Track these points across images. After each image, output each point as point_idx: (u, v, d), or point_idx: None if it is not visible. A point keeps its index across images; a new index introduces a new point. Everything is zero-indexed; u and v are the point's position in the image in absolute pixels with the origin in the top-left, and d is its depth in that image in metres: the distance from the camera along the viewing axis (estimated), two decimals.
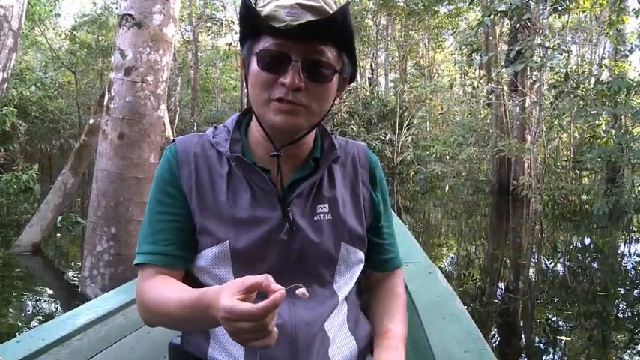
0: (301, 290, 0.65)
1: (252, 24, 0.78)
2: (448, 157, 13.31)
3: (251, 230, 0.83)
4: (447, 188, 12.49)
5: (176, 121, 15.93)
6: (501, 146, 10.39)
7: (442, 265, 5.46)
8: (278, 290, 0.62)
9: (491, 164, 11.84)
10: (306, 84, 0.77)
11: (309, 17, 0.76)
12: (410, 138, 15.86)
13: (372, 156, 0.99)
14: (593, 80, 8.35)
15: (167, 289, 0.80)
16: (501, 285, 4.80)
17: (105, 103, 3.66)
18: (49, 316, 3.48)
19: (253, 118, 0.88)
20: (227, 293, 0.63)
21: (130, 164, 3.52)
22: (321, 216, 0.87)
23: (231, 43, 18.53)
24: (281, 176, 0.86)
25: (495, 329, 3.61)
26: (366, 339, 0.92)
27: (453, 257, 6.10)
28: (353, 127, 15.94)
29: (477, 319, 1.25)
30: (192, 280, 0.87)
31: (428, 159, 13.90)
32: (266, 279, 0.63)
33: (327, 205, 0.88)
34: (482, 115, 12.90)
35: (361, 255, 0.93)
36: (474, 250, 6.53)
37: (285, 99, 0.77)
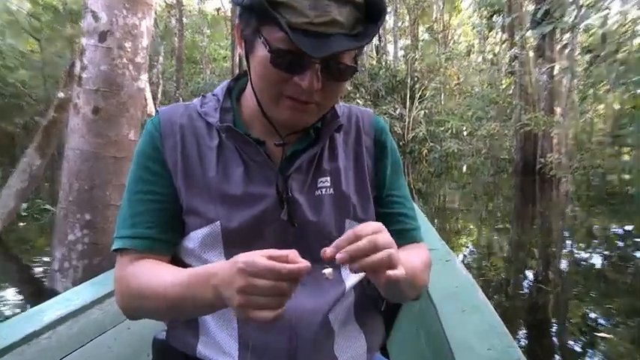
0: (328, 270, 0.69)
1: (260, 9, 0.73)
2: (465, 134, 13.29)
3: (244, 209, 0.84)
4: (464, 168, 12.51)
5: (159, 96, 15.84)
6: (526, 120, 10.34)
7: (461, 254, 5.48)
8: (304, 263, 0.64)
9: (515, 140, 11.84)
10: (322, 83, 0.77)
11: (334, 9, 0.72)
12: (422, 112, 15.85)
13: (379, 121, 0.99)
14: (637, 41, 8.16)
15: (157, 270, 0.82)
16: (529, 275, 4.79)
17: (76, 73, 3.61)
18: (10, 317, 3.40)
19: (248, 86, 0.88)
20: (246, 254, 0.66)
21: (106, 142, 3.49)
22: (323, 190, 0.88)
23: (220, 8, 18.30)
24: (282, 151, 0.87)
25: (523, 325, 3.57)
26: (377, 336, 0.93)
27: (472, 244, 6.11)
28: (358, 100, 15.91)
29: (501, 314, 1.23)
30: (178, 266, 0.87)
31: (443, 136, 13.89)
32: (293, 253, 0.66)
33: (328, 179, 0.89)
34: (505, 85, 12.82)
35: None
36: (496, 237, 6.55)
37: (299, 99, 0.78)
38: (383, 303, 1.05)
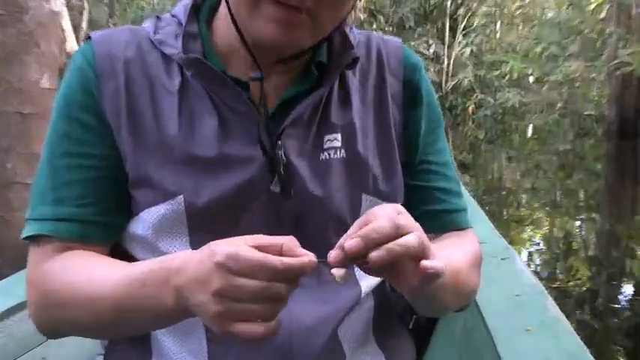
0: (340, 273, 0.69)
1: None
2: (532, 80, 13.25)
3: (219, 177, 0.85)
4: (529, 130, 12.51)
5: (83, 26, 15.76)
6: (626, 56, 10.23)
7: (524, 251, 5.53)
8: (308, 256, 0.66)
9: (608, 88, 11.75)
10: None
11: None
12: (468, 50, 15.85)
13: (410, 56, 1.01)
14: None
15: (91, 266, 0.83)
16: (627, 285, 4.82)
17: None
18: None
19: (222, 3, 0.89)
20: (225, 241, 0.67)
21: (5, 91, 3.48)
22: (331, 153, 0.90)
23: None
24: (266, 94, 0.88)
25: (619, 354, 3.60)
26: (403, 357, 0.96)
27: (541, 239, 6.17)
28: (376, 32, 15.72)
29: (585, 338, 1.26)
30: (123, 259, 0.88)
31: (498, 84, 13.87)
32: (290, 240, 0.67)
33: (338, 136, 0.91)
34: (593, 5, 12.61)
35: None
36: (577, 230, 6.59)
37: (284, 2, 0.78)
38: (412, 319, 1.07)
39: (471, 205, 2.23)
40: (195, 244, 0.83)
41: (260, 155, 0.85)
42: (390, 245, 0.65)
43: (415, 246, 0.66)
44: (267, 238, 0.67)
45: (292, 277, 0.65)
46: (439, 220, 0.99)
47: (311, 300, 0.87)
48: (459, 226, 1.01)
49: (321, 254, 0.85)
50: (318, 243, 0.85)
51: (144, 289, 0.73)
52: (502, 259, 1.65)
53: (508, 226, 6.34)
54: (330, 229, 0.89)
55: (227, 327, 0.65)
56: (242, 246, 0.64)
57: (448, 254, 0.84)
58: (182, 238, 0.86)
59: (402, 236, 0.66)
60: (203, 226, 0.85)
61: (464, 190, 2.06)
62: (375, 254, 0.65)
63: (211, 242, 0.68)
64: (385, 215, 0.68)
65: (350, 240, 0.66)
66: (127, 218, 0.89)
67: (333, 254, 0.67)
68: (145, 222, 0.86)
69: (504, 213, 7.04)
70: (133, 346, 0.92)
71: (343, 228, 0.86)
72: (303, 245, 0.81)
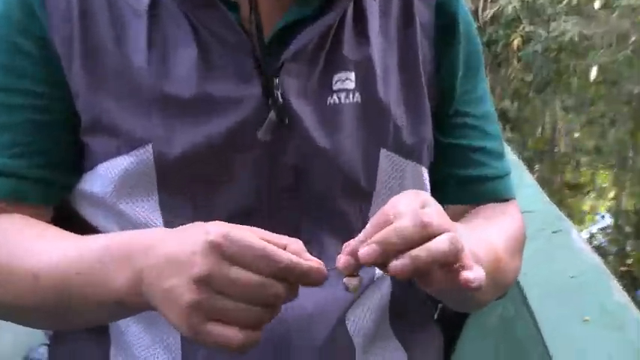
0: (353, 283, 0.70)
1: None
2: (597, 5, 13.16)
3: (198, 123, 0.86)
4: (593, 72, 12.45)
5: None
6: None
7: (582, 226, 5.56)
8: (316, 262, 0.67)
9: None
10: None
11: None
12: None
13: None
14: None
15: (31, 235, 0.84)
16: None
17: None
18: None
19: None
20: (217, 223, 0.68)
21: None
22: (341, 96, 0.91)
23: None
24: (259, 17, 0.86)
25: None
26: (428, 353, 0.99)
27: (606, 211, 6.19)
28: None
29: None
30: (70, 226, 0.88)
31: (552, 10, 13.74)
32: (297, 243, 0.69)
33: (352, 75, 0.91)
34: None
35: (423, 174, 0.98)
36: None
37: None
38: (437, 308, 1.10)
39: (514, 167, 2.25)
40: (167, 208, 0.86)
41: (255, 95, 0.86)
42: (415, 252, 0.65)
43: (446, 252, 0.66)
44: (268, 233, 0.67)
45: (297, 280, 0.66)
46: (476, 188, 1.03)
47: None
48: (499, 197, 1.03)
49: (327, 224, 0.92)
50: (323, 210, 0.92)
51: (94, 267, 0.74)
52: (553, 232, 1.67)
53: (563, 194, 6.35)
54: (337, 192, 0.92)
55: (198, 324, 0.65)
56: (242, 229, 0.66)
57: (489, 239, 0.87)
58: (150, 199, 0.88)
59: (429, 239, 0.66)
60: (176, 184, 0.87)
61: (506, 148, 2.09)
62: (395, 264, 0.65)
63: (199, 222, 0.69)
64: (409, 211, 0.68)
65: (365, 247, 0.65)
66: (76, 174, 0.90)
67: (342, 261, 0.68)
68: (102, 178, 0.87)
69: (558, 178, 7.03)
70: (87, 335, 0.93)
71: (355, 192, 0.94)
72: (303, 214, 0.89)
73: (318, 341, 0.88)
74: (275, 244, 0.65)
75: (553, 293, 1.34)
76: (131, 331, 0.91)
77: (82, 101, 0.86)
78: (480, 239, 0.83)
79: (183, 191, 0.86)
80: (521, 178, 2.13)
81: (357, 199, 0.94)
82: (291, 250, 0.66)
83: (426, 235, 0.65)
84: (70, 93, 0.86)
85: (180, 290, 0.64)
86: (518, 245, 0.99)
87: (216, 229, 0.64)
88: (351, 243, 0.68)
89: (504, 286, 0.96)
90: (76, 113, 0.87)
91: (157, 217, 0.88)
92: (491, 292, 0.91)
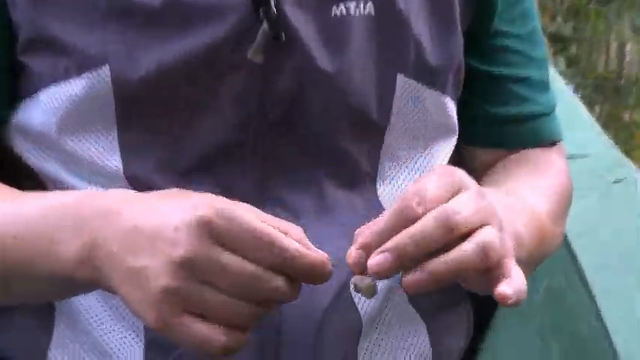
0: (365, 283, 0.70)
1: None
2: None
3: (167, 38, 0.83)
4: None
5: None
6: None
7: None
8: (321, 255, 0.67)
9: None
10: None
11: None
12: None
13: None
14: None
15: None
16: None
17: None
18: None
19: None
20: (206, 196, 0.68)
21: None
22: (350, 7, 0.87)
23: None
24: None
25: None
26: (454, 337, 1.00)
27: None
28: None
29: None
30: (6, 179, 0.88)
31: None
32: (297, 230, 0.69)
33: None
34: None
35: (447, 107, 0.96)
36: None
37: None
38: None
39: (565, 99, 2.14)
40: (128, 147, 0.85)
41: (241, 3, 0.83)
42: (434, 265, 0.65)
43: (476, 264, 0.66)
44: (265, 215, 0.67)
45: (299, 274, 0.65)
46: (515, 129, 1.03)
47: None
48: (543, 139, 1.04)
49: (327, 166, 0.92)
50: (323, 148, 0.91)
51: (36, 231, 0.74)
52: (614, 181, 1.63)
53: (631, 134, 6.37)
54: (342, 127, 0.90)
55: (170, 315, 0.63)
56: (240, 207, 0.65)
57: (528, 209, 0.88)
58: (106, 135, 0.86)
59: (457, 243, 0.66)
60: (140, 116, 0.85)
61: (554, 74, 2.05)
62: (408, 280, 0.65)
63: (185, 190, 0.70)
64: (435, 201, 0.67)
65: (376, 255, 0.65)
66: (9, 103, 0.88)
67: (353, 256, 0.68)
68: (45, 107, 0.85)
69: (624, 115, 7.02)
70: (33, 314, 0.92)
71: (363, 127, 0.93)
72: (299, 156, 0.89)
73: (318, 312, 0.86)
74: (276, 224, 0.66)
75: (614, 258, 1.34)
76: (81, 299, 0.88)
77: (21, 10, 0.83)
78: (523, 210, 0.84)
79: (149, 125, 0.85)
80: (575, 114, 2.06)
81: (366, 135, 0.92)
82: (292, 237, 0.65)
83: (453, 239, 0.65)
84: (4, 4, 0.84)
85: (154, 273, 0.63)
86: (564, 207, 0.99)
87: (207, 202, 0.64)
88: (365, 232, 0.68)
89: (547, 256, 0.97)
90: (11, 25, 0.85)
91: (115, 158, 0.86)
92: (531, 268, 0.90)
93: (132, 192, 0.73)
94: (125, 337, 0.88)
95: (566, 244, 1.34)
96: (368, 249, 0.66)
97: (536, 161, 1.02)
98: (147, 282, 0.63)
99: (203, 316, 0.63)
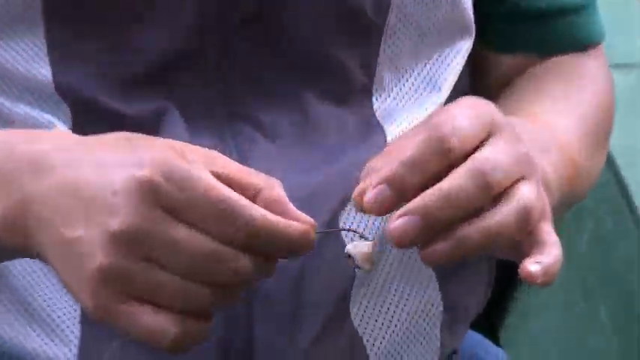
0: (362, 251, 0.65)
1: None
2: None
3: None
4: None
5: None
6: None
7: None
8: (306, 220, 0.60)
9: None
10: None
11: None
12: None
13: None
14: None
15: None
16: None
17: None
18: None
19: None
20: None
21: None
22: None
23: None
24: None
25: None
26: (471, 297, 0.94)
27: None
28: None
29: None
30: None
31: None
32: (278, 186, 0.62)
33: None
34: None
35: (461, 7, 0.88)
36: None
37: None
38: None
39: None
40: (59, 53, 0.78)
41: None
42: (466, 233, 0.59)
43: (514, 229, 0.61)
44: (236, 166, 0.61)
45: (271, 249, 0.58)
46: (543, 28, 0.96)
47: (295, 168, 0.79)
48: (579, 41, 0.96)
49: (310, 77, 0.85)
50: (303, 54, 0.84)
51: None
52: None
53: None
54: (328, 26, 0.83)
55: (109, 302, 0.56)
56: (195, 163, 0.58)
57: (560, 144, 0.84)
58: (32, 38, 0.80)
59: (492, 204, 0.61)
60: (73, 14, 0.78)
61: None
62: (434, 250, 0.60)
63: (127, 133, 0.62)
64: (468, 133, 0.61)
65: (400, 218, 0.58)
66: None
67: (375, 192, 0.60)
68: None
69: None
70: None
71: (356, 27, 0.86)
72: (275, 58, 0.82)
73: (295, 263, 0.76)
74: (242, 186, 0.59)
75: None
76: (16, 263, 0.82)
77: None
78: (551, 145, 0.81)
79: (85, 26, 0.77)
80: (628, 11, 1.95)
81: (359, 37, 0.84)
82: (266, 197, 0.59)
83: (487, 200, 0.60)
84: None
85: (89, 247, 0.56)
86: (603, 133, 0.95)
87: (156, 159, 0.56)
88: (377, 165, 0.63)
89: (576, 201, 0.95)
90: None
91: (42, 66, 0.80)
92: (558, 214, 0.81)
93: (73, 136, 0.66)
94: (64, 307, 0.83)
95: (616, 177, 1.31)
96: (398, 185, 0.59)
97: (571, 72, 0.96)
98: (80, 258, 0.57)
99: (152, 303, 0.56)
